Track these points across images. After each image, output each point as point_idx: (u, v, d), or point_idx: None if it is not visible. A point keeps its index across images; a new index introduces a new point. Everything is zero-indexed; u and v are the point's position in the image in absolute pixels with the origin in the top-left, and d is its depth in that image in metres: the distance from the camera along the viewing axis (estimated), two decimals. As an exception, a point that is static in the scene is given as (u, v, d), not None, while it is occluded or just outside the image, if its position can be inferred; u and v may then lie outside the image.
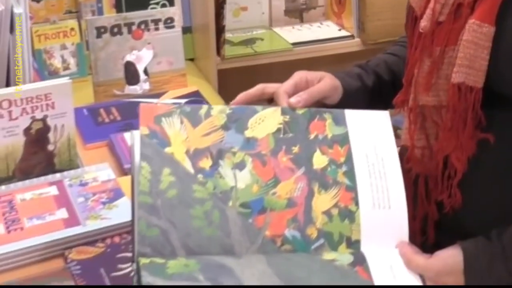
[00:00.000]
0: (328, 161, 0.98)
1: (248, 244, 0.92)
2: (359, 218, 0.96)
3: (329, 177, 0.98)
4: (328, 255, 0.94)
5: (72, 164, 1.37)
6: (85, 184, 1.29)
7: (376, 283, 0.92)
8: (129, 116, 1.58)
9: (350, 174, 0.98)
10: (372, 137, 1.01)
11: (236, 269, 0.90)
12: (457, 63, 0.95)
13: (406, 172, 1.01)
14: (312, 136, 1.00)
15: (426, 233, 1.06)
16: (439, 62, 0.98)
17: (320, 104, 1.09)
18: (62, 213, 1.21)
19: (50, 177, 1.31)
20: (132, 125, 1.49)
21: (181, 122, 0.97)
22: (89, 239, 1.17)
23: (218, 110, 0.99)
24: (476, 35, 0.94)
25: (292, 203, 0.95)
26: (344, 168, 0.98)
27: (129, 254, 1.11)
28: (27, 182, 1.30)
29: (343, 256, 0.94)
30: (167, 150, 0.94)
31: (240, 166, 0.96)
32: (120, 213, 1.20)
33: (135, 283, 0.88)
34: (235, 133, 0.98)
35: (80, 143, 1.47)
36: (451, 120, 0.98)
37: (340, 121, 1.02)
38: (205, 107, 0.99)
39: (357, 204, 0.96)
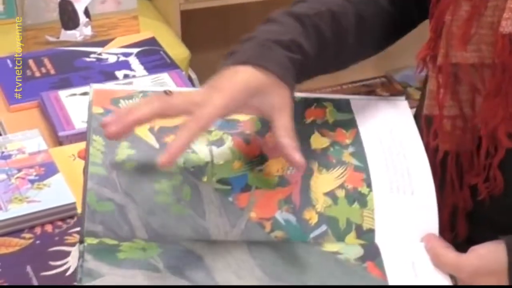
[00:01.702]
0: (329, 142, 0.98)
1: (228, 227, 0.90)
2: (373, 202, 0.94)
3: (332, 157, 0.96)
4: (330, 246, 0.91)
5: (-10, 131, 1.35)
6: (7, 156, 1.24)
7: (391, 282, 0.89)
8: (65, 69, 1.55)
9: (359, 155, 0.97)
10: (387, 123, 1.01)
11: (207, 257, 0.88)
12: (508, 6, 0.90)
13: (431, 151, 0.98)
14: (308, 121, 1.00)
15: (456, 227, 1.03)
16: (481, 6, 0.93)
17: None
18: (-23, 195, 1.17)
19: (-38, 148, 1.28)
20: (69, 81, 1.49)
21: None
22: (13, 228, 1.12)
23: None
24: None
25: (284, 182, 0.94)
26: (350, 149, 0.97)
27: (65, 248, 1.08)
28: None
29: (350, 248, 0.91)
30: None
31: (218, 143, 0.96)
32: (52, 194, 1.15)
33: (78, 274, 0.85)
34: None
35: (2, 104, 1.46)
36: (497, 84, 0.93)
37: (343, 108, 1.02)
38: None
39: (369, 186, 0.94)
